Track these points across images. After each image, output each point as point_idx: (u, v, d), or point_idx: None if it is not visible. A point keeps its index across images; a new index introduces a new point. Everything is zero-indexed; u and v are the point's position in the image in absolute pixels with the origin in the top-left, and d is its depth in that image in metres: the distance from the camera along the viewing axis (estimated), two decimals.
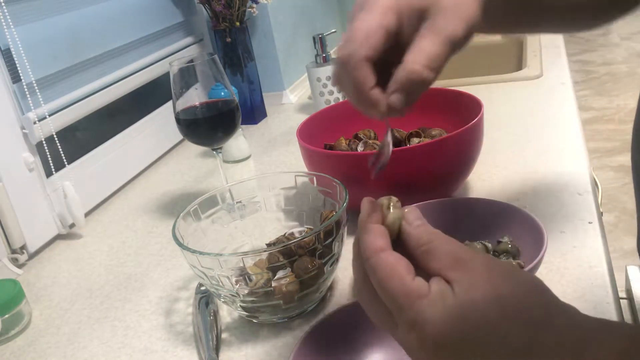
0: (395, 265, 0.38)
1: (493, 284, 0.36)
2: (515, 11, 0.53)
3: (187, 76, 0.81)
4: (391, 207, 0.41)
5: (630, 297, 1.56)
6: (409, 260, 0.39)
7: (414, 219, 0.40)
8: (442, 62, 0.43)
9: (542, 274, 0.63)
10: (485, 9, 0.46)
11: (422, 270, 0.38)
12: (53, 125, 0.90)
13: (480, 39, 1.66)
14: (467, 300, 0.35)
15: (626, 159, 2.71)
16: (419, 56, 0.43)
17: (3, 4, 0.82)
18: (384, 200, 0.42)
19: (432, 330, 0.35)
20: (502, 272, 0.37)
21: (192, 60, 0.81)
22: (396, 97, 0.43)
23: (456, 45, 0.44)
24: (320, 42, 1.18)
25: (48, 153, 0.88)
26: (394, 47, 0.45)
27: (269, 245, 0.70)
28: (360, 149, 0.82)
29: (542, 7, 0.55)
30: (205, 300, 0.67)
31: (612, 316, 0.56)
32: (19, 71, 0.85)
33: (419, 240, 0.39)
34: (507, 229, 0.65)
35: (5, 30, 0.83)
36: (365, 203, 0.41)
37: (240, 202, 0.74)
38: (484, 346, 0.35)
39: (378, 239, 0.39)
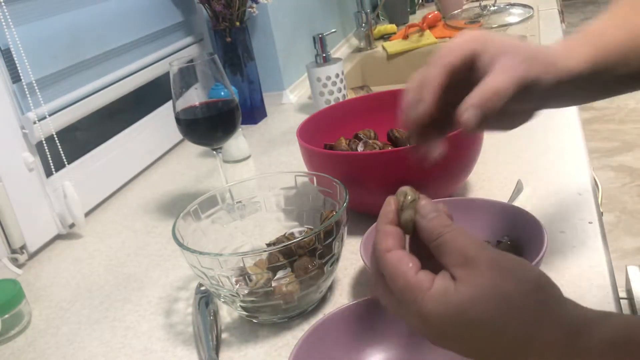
0: (399, 263, 0.41)
1: (495, 282, 0.38)
2: (587, 86, 0.53)
3: (187, 76, 0.81)
4: (405, 207, 0.43)
5: (630, 297, 1.55)
6: (425, 252, 0.42)
7: (427, 212, 0.42)
8: (509, 94, 0.45)
9: None
10: (560, 81, 0.48)
11: (436, 262, 0.41)
12: (53, 125, 0.89)
13: None
14: (468, 297, 0.38)
15: (626, 158, 2.71)
16: (490, 82, 0.45)
17: (3, 4, 0.82)
18: (400, 196, 0.44)
19: (435, 321, 0.39)
20: (505, 271, 0.38)
21: (192, 60, 0.80)
22: (471, 111, 0.45)
23: (527, 90, 0.46)
24: (320, 42, 1.18)
25: (48, 153, 0.88)
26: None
27: (269, 245, 0.70)
28: (360, 149, 0.82)
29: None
30: (205, 300, 0.67)
31: None
32: (19, 71, 0.85)
33: (431, 235, 0.41)
34: (507, 229, 0.65)
35: (5, 30, 0.83)
36: (386, 202, 0.44)
37: (240, 202, 0.74)
38: (483, 337, 0.38)
39: (387, 239, 0.42)
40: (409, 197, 0.44)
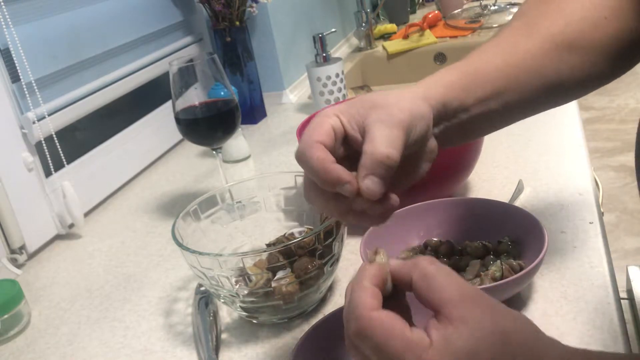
0: (393, 323, 0.37)
1: (496, 320, 0.36)
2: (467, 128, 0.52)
3: (187, 76, 0.80)
4: (377, 256, 0.40)
5: (631, 297, 1.56)
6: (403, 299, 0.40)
7: (398, 261, 0.40)
8: (400, 142, 0.43)
9: (542, 274, 0.63)
10: (436, 108, 0.46)
11: (416, 308, 0.39)
12: (52, 125, 0.89)
13: (480, 38, 1.66)
14: (475, 340, 0.36)
15: (627, 158, 2.71)
16: (376, 141, 0.42)
17: (3, 3, 0.82)
18: (370, 254, 0.41)
19: None
20: (501, 309, 0.38)
21: (191, 60, 0.80)
22: (370, 180, 0.42)
23: (409, 130, 0.43)
24: (320, 41, 1.18)
25: (47, 153, 0.88)
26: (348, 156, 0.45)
27: (268, 245, 0.70)
28: None
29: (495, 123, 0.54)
30: (204, 300, 0.67)
31: (613, 316, 0.56)
32: (18, 71, 0.85)
33: (415, 266, 0.38)
34: (508, 229, 0.65)
35: (5, 29, 0.83)
36: (367, 266, 0.40)
37: (240, 202, 0.74)
38: None
39: (372, 299, 0.38)
40: (380, 254, 0.41)
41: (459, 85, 0.48)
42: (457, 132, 0.50)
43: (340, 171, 0.42)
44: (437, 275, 0.37)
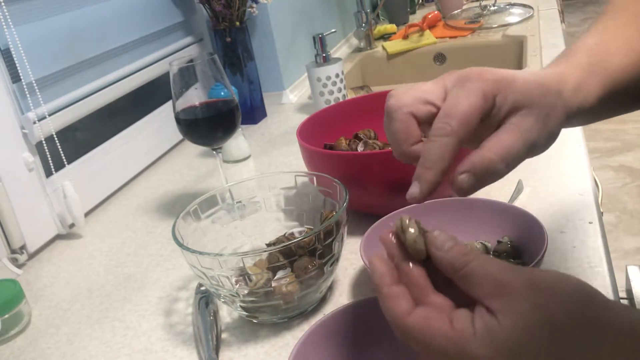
0: (427, 322, 0.37)
1: (539, 306, 0.35)
2: (597, 114, 0.52)
3: (187, 76, 0.81)
4: (406, 228, 0.40)
5: (630, 297, 1.55)
6: (443, 279, 0.39)
7: (442, 242, 0.39)
8: (517, 159, 0.43)
9: None
10: (569, 119, 0.47)
11: (462, 293, 0.38)
12: (53, 125, 0.89)
13: (480, 38, 1.66)
14: (517, 331, 0.35)
15: (626, 159, 2.71)
16: (496, 146, 0.43)
17: (3, 3, 0.82)
18: (397, 222, 0.41)
19: None
20: (546, 290, 0.36)
21: (192, 60, 0.80)
22: (465, 177, 0.43)
23: (534, 149, 0.44)
24: (320, 42, 1.18)
25: (48, 153, 0.88)
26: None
27: (269, 245, 0.70)
28: (360, 149, 0.82)
29: (622, 106, 0.54)
30: (205, 300, 0.67)
31: None
32: (19, 71, 0.85)
33: (454, 266, 0.38)
34: (507, 229, 0.65)
35: (5, 30, 0.83)
36: (374, 262, 0.40)
37: (240, 202, 0.74)
38: None
39: (399, 303, 0.38)
40: (407, 220, 0.40)
41: (597, 86, 0.48)
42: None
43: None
44: (473, 273, 0.37)
